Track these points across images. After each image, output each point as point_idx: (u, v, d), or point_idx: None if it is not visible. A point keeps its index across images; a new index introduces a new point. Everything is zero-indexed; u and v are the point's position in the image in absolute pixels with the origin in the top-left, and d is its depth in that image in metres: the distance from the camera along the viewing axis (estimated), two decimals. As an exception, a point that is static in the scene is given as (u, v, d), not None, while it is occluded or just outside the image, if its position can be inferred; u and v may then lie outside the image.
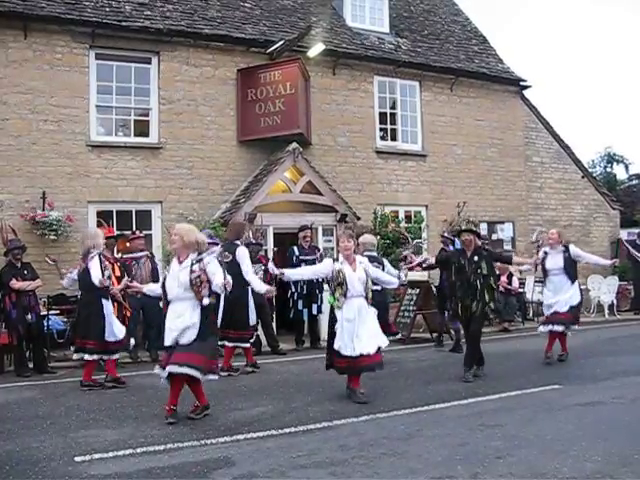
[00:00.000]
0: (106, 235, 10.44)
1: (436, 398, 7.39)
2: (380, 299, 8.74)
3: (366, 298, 7.40)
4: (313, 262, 10.94)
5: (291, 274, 7.94)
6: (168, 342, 6.52)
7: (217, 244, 11.24)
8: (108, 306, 8.50)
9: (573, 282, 9.76)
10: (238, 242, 9.36)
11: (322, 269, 7.68)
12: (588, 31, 68.33)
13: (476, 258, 8.60)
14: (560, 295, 9.70)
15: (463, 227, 9.14)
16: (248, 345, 9.41)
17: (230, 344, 9.24)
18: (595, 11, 68.06)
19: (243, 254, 9.03)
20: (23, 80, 12.00)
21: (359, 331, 7.23)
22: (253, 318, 9.40)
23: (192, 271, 6.44)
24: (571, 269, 9.74)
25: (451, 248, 10.91)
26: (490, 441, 5.68)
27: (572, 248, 9.85)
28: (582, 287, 16.73)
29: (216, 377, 6.72)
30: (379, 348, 7.34)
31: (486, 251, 8.86)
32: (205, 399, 6.73)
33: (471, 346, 8.72)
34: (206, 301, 6.50)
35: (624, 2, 62.94)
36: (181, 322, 6.48)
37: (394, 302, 13.52)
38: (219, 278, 6.46)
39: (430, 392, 7.79)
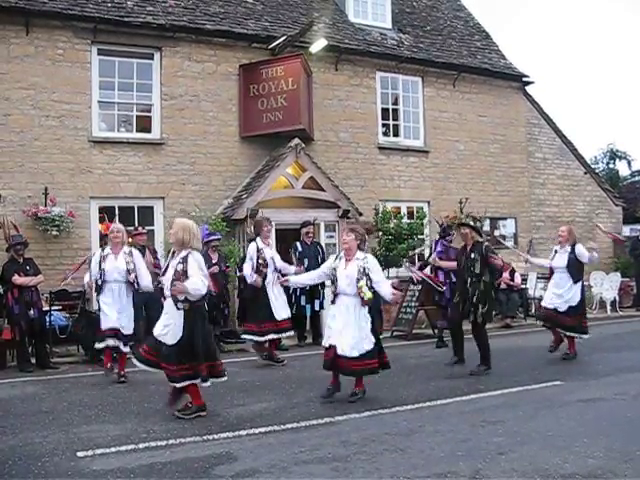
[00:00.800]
0: (106, 232, 10.50)
1: (438, 394, 7.40)
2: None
3: (361, 298, 6.98)
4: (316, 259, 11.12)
5: (296, 281, 7.93)
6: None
7: (219, 239, 11.41)
8: (104, 298, 8.60)
9: (575, 282, 9.52)
10: (257, 238, 9.79)
11: (323, 269, 7.55)
12: (590, 27, 68.15)
13: (472, 255, 8.48)
14: (561, 291, 9.57)
15: (463, 221, 9.00)
16: (260, 339, 9.59)
17: (247, 337, 9.67)
18: (597, 7, 67.90)
19: (248, 250, 9.81)
20: (25, 76, 12.00)
21: (344, 331, 6.99)
22: (280, 312, 9.57)
23: (176, 271, 6.38)
24: (574, 268, 9.51)
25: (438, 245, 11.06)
26: (492, 437, 5.68)
27: (577, 247, 9.59)
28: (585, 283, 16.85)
29: (207, 384, 6.54)
30: (363, 355, 6.96)
31: (485, 249, 8.49)
32: (200, 400, 6.57)
33: (479, 347, 8.68)
34: (180, 305, 6.33)
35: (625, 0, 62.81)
36: (164, 319, 6.49)
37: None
38: (190, 281, 6.24)
39: (432, 388, 7.79)
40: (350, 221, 13.39)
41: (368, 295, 6.96)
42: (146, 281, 8.67)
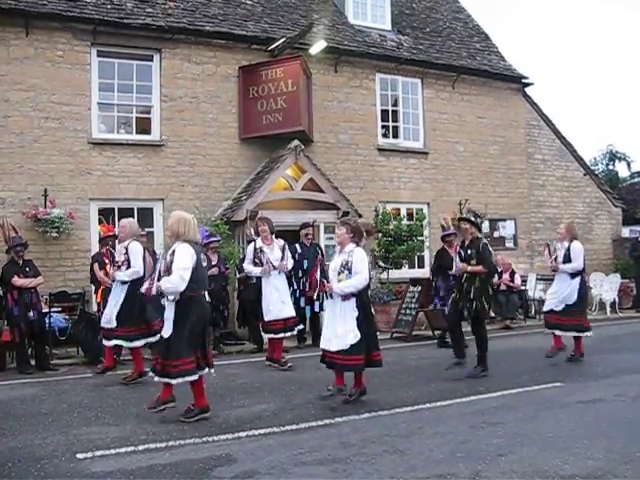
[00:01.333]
0: (105, 234, 10.51)
1: (438, 395, 7.40)
2: None
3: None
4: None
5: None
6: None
7: (218, 240, 11.42)
8: (113, 292, 8.67)
9: (573, 277, 9.46)
10: (259, 238, 9.79)
11: None
12: (590, 28, 68.20)
13: (469, 251, 8.48)
14: (557, 288, 9.56)
15: (463, 216, 8.95)
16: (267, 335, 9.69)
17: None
18: (597, 8, 67.96)
19: (247, 249, 10.05)
20: (25, 77, 12.00)
21: (329, 324, 7.12)
22: (268, 314, 9.43)
23: (166, 263, 6.40)
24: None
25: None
26: (492, 439, 5.68)
27: (573, 244, 9.59)
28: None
29: (206, 371, 6.53)
30: (347, 350, 6.87)
31: (482, 246, 8.43)
32: (204, 400, 6.53)
33: (478, 347, 8.66)
34: (163, 301, 6.42)
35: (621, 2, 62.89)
36: (165, 313, 6.53)
37: (395, 299, 13.54)
38: (165, 279, 6.27)
39: (432, 389, 7.79)
40: (347, 219, 13.38)
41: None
42: (128, 274, 8.41)
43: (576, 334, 9.53)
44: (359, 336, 6.87)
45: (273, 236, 9.73)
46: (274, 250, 9.62)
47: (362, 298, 7.04)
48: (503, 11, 62.38)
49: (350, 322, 6.92)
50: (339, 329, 6.93)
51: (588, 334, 9.62)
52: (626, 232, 20.01)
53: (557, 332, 9.53)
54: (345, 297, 6.97)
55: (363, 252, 7.15)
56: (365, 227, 11.69)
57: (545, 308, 9.84)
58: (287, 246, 9.82)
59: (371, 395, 7.34)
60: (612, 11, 65.47)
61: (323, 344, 7.15)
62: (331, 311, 7.14)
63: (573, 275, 9.49)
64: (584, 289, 9.59)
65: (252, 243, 9.79)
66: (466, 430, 5.98)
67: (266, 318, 9.44)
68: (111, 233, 10.56)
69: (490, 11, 54.01)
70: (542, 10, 65.19)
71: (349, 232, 7.13)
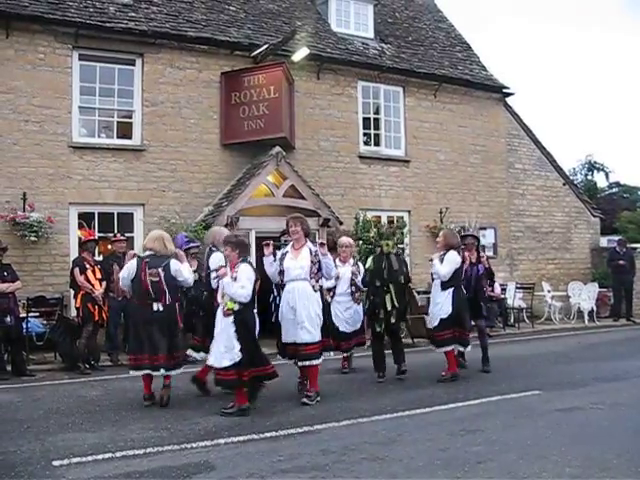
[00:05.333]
0: (87, 238, 10.42)
1: (417, 403, 7.41)
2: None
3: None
4: None
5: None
6: None
7: (198, 246, 11.26)
8: None
9: (444, 289, 8.84)
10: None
11: None
12: (569, 42, 69.15)
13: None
14: (433, 304, 9.13)
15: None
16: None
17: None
18: (575, 24, 68.93)
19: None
20: (5, 80, 11.87)
21: (216, 339, 7.12)
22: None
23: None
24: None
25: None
26: (471, 446, 5.69)
27: (448, 254, 8.87)
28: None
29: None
30: (232, 366, 6.82)
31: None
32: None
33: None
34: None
35: (599, 18, 63.91)
36: None
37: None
38: None
39: (411, 397, 7.80)
40: (331, 230, 13.43)
41: (228, 305, 6.87)
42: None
43: (460, 348, 9.13)
44: (238, 353, 6.79)
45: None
46: (300, 258, 7.83)
47: (242, 314, 6.90)
48: (485, 23, 62.96)
49: (231, 338, 6.83)
50: (221, 346, 6.86)
51: (466, 349, 9.26)
52: (604, 242, 20.23)
53: (438, 349, 9.07)
54: (226, 313, 6.88)
55: (248, 267, 7.04)
56: (345, 234, 11.75)
57: (429, 325, 9.30)
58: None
59: (351, 402, 7.33)
60: (590, 25, 66.36)
61: (211, 361, 7.01)
62: (218, 327, 6.99)
63: (443, 287, 8.87)
64: (457, 301, 8.84)
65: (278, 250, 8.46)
66: (445, 437, 6.00)
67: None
68: (92, 237, 10.50)
69: (472, 22, 54.52)
70: (523, 23, 65.90)
71: (234, 249, 7.10)
